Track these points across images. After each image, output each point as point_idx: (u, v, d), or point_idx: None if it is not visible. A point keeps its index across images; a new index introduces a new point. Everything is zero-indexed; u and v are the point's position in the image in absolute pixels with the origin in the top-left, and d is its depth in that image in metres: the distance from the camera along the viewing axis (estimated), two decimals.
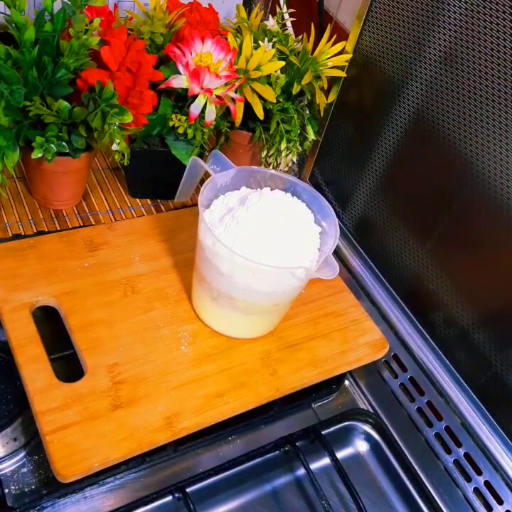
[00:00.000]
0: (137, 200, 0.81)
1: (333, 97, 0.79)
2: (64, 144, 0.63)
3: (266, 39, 0.76)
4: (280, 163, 0.80)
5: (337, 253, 0.80)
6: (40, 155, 0.61)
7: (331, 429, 0.69)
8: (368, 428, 0.71)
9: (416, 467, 0.69)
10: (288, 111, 0.77)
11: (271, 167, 0.80)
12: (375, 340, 0.70)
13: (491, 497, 0.63)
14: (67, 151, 0.64)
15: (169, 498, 0.58)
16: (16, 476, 0.59)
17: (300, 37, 0.79)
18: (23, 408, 0.59)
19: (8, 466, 0.59)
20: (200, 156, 0.74)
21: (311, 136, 0.80)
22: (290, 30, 0.84)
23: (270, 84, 0.75)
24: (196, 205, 0.59)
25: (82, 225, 0.74)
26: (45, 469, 0.59)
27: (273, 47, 0.75)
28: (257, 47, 0.74)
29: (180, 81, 0.68)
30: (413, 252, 0.70)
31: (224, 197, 0.63)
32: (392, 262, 0.74)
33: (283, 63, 0.74)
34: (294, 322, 0.69)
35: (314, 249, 0.61)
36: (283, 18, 0.82)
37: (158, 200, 0.82)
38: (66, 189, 0.74)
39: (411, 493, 0.67)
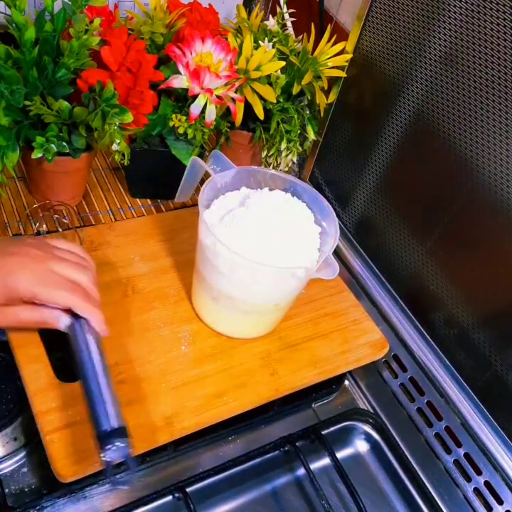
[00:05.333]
0: (137, 200, 0.81)
1: (333, 97, 0.79)
2: (64, 143, 0.63)
3: (266, 39, 0.76)
4: (280, 163, 0.80)
5: (337, 253, 0.80)
6: (40, 155, 0.62)
7: (331, 429, 0.69)
8: (368, 428, 0.71)
9: (416, 467, 0.69)
10: (288, 111, 0.77)
11: (271, 167, 0.80)
12: (375, 341, 0.70)
13: (491, 497, 0.63)
14: (68, 151, 0.64)
15: (169, 497, 0.58)
16: (16, 476, 0.59)
17: (300, 37, 0.79)
18: (23, 408, 0.59)
19: (8, 466, 0.59)
20: (201, 156, 0.74)
21: (311, 136, 0.80)
22: (290, 30, 0.84)
23: (270, 84, 0.75)
24: (196, 205, 0.59)
25: (82, 224, 0.74)
26: (45, 469, 0.59)
27: (273, 47, 0.75)
28: (257, 47, 0.74)
29: (180, 81, 0.68)
30: (413, 252, 0.70)
31: (224, 197, 0.63)
32: (392, 262, 0.74)
33: (283, 63, 0.74)
34: (294, 322, 0.69)
35: (314, 249, 0.61)
36: (283, 18, 0.82)
37: (158, 200, 0.82)
38: (66, 189, 0.74)
39: (411, 493, 0.67)
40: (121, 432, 0.46)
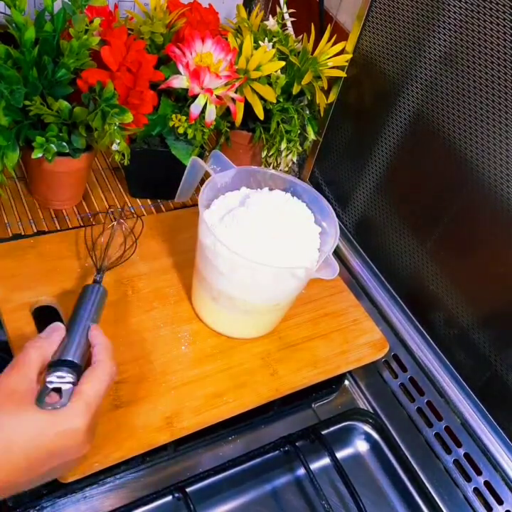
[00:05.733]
0: (137, 200, 0.81)
1: (333, 97, 0.79)
2: (64, 144, 0.63)
3: (266, 39, 0.76)
4: (280, 163, 0.80)
5: (337, 253, 0.80)
6: (40, 155, 0.62)
7: (331, 429, 0.69)
8: (367, 428, 0.71)
9: (416, 467, 0.69)
10: (288, 111, 0.77)
11: (271, 167, 0.80)
12: (375, 341, 0.70)
13: (491, 497, 0.63)
14: (68, 151, 0.64)
15: (169, 498, 0.59)
16: None
17: (300, 37, 0.79)
18: None
19: None
20: (200, 156, 0.74)
21: (311, 136, 0.80)
22: (290, 30, 0.84)
23: (270, 84, 0.75)
24: (196, 205, 0.59)
25: (82, 224, 0.74)
26: None
27: (273, 47, 0.75)
28: (257, 47, 0.74)
29: (180, 81, 0.68)
30: (413, 252, 0.71)
31: (224, 197, 0.63)
32: (392, 262, 0.74)
33: (283, 63, 0.74)
34: (294, 322, 0.69)
35: (314, 249, 0.61)
36: (283, 18, 0.82)
37: (158, 200, 0.82)
38: (66, 189, 0.74)
39: (411, 493, 0.67)
40: (71, 365, 0.50)
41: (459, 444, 0.66)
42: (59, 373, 0.48)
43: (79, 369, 0.50)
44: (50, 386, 0.47)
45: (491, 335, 0.62)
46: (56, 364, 0.49)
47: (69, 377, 0.49)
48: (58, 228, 0.73)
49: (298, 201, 0.63)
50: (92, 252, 0.67)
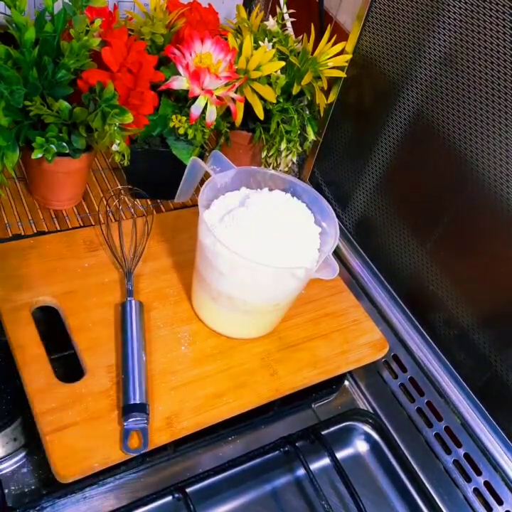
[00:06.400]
0: (137, 200, 0.81)
1: (333, 97, 0.79)
2: (64, 144, 0.63)
3: (266, 39, 0.76)
4: (280, 164, 0.80)
5: (337, 253, 0.80)
6: (40, 155, 0.61)
7: (331, 429, 0.69)
8: (367, 428, 0.71)
9: (416, 467, 0.69)
10: (288, 111, 0.77)
11: (271, 167, 0.80)
12: (375, 341, 0.70)
13: (491, 497, 0.63)
14: (67, 151, 0.64)
15: (169, 498, 0.58)
16: (15, 476, 0.59)
17: (300, 37, 0.79)
18: (23, 408, 0.59)
19: (8, 466, 0.59)
20: (201, 156, 0.74)
21: (311, 136, 0.80)
22: (290, 30, 0.84)
23: (270, 84, 0.75)
24: (196, 205, 0.59)
25: (82, 225, 0.74)
26: (45, 469, 0.59)
27: (273, 47, 0.75)
28: (257, 47, 0.74)
29: (180, 82, 0.68)
30: (413, 252, 0.70)
31: (224, 197, 0.63)
32: (392, 263, 0.74)
33: (283, 63, 0.74)
34: (294, 322, 0.69)
35: (314, 249, 0.61)
36: (283, 19, 0.82)
37: (158, 200, 0.82)
38: (66, 189, 0.74)
39: (411, 493, 0.67)
40: (142, 408, 0.55)
41: (458, 445, 0.66)
42: (134, 419, 0.54)
43: (148, 407, 0.56)
44: (130, 432, 0.54)
45: (491, 335, 0.62)
46: (130, 409, 0.54)
47: (143, 418, 0.54)
48: (58, 228, 0.73)
49: (298, 201, 0.63)
50: (118, 253, 0.68)
